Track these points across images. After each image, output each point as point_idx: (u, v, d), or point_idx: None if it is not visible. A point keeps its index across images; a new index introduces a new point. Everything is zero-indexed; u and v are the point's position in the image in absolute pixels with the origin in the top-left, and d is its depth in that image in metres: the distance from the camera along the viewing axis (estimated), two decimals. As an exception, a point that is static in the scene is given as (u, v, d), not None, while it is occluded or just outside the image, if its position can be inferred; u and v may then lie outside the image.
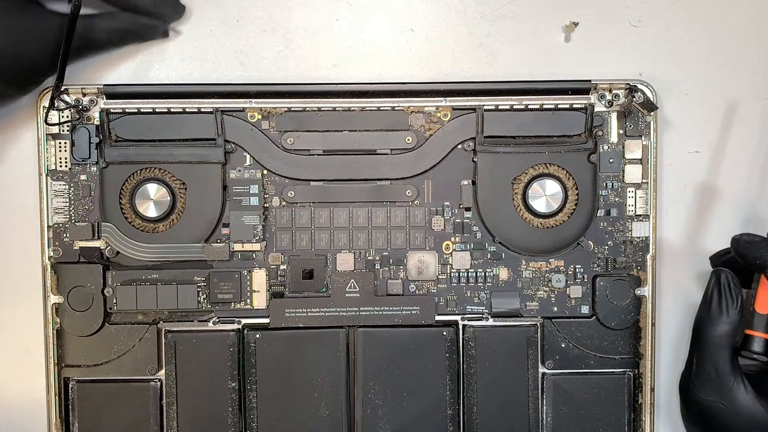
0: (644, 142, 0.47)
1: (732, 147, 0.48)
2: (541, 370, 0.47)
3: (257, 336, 0.47)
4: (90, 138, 0.46)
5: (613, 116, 0.47)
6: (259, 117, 0.47)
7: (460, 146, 0.47)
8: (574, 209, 0.47)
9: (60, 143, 0.46)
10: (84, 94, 0.46)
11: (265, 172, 0.47)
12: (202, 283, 0.47)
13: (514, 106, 0.47)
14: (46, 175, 0.46)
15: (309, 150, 0.47)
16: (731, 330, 0.42)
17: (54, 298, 0.46)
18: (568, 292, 0.48)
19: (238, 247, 0.47)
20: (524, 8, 0.48)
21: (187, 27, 0.48)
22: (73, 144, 0.46)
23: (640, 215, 0.47)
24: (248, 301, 0.47)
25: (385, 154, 0.47)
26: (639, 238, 0.47)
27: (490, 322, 0.47)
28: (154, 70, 0.48)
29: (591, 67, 0.48)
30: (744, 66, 0.48)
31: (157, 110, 0.46)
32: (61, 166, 0.46)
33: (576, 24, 0.47)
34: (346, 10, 0.48)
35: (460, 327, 0.47)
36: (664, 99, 0.48)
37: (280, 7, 0.48)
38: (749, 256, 0.43)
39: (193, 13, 0.48)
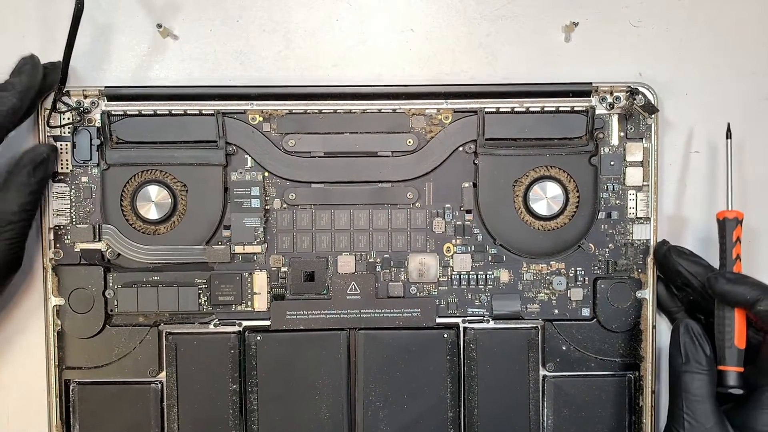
0: (645, 145, 0.47)
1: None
2: (542, 372, 0.47)
3: (258, 338, 0.47)
4: (91, 140, 0.46)
5: (614, 119, 0.47)
6: (261, 119, 0.47)
7: (461, 148, 0.47)
8: (575, 212, 0.47)
9: (61, 145, 0.46)
10: (85, 96, 0.46)
11: (266, 174, 0.47)
12: (203, 285, 0.47)
13: (515, 109, 0.46)
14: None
15: (310, 152, 0.47)
16: (712, 377, 0.42)
17: (55, 300, 0.46)
18: (568, 295, 0.48)
19: (239, 249, 0.47)
20: (524, 8, 0.48)
21: (187, 27, 0.48)
22: (74, 146, 0.46)
23: (640, 218, 0.47)
24: (249, 303, 0.47)
25: (386, 156, 0.47)
26: (640, 240, 0.47)
27: (491, 324, 0.47)
28: (154, 69, 0.48)
29: (591, 67, 0.48)
30: (744, 66, 0.48)
31: (158, 112, 0.46)
32: (62, 168, 0.46)
33: (576, 24, 0.47)
34: (346, 10, 0.48)
35: (461, 329, 0.47)
36: (664, 99, 0.48)
37: (280, 7, 0.48)
38: (732, 294, 0.42)
39: (193, 13, 0.47)
